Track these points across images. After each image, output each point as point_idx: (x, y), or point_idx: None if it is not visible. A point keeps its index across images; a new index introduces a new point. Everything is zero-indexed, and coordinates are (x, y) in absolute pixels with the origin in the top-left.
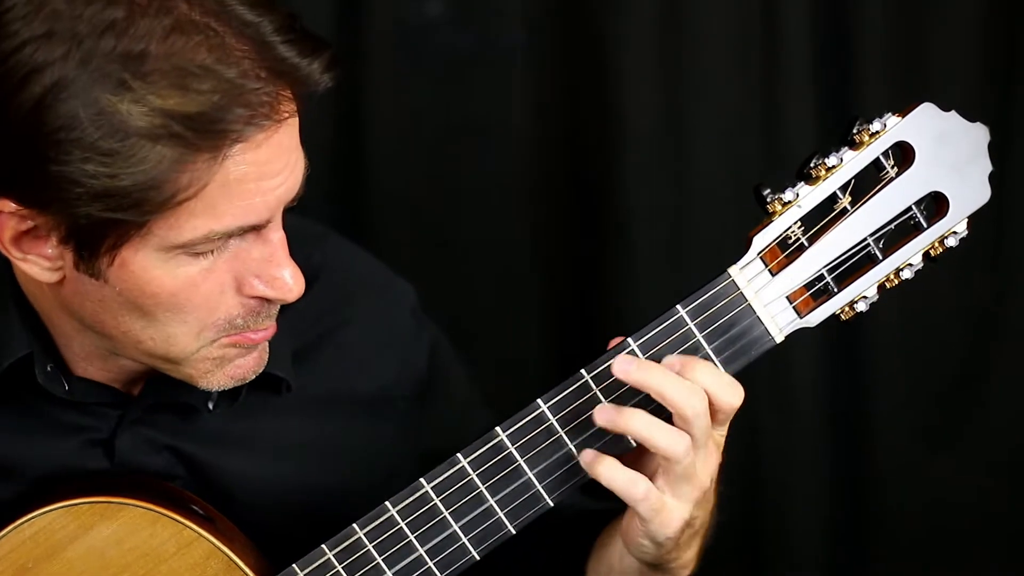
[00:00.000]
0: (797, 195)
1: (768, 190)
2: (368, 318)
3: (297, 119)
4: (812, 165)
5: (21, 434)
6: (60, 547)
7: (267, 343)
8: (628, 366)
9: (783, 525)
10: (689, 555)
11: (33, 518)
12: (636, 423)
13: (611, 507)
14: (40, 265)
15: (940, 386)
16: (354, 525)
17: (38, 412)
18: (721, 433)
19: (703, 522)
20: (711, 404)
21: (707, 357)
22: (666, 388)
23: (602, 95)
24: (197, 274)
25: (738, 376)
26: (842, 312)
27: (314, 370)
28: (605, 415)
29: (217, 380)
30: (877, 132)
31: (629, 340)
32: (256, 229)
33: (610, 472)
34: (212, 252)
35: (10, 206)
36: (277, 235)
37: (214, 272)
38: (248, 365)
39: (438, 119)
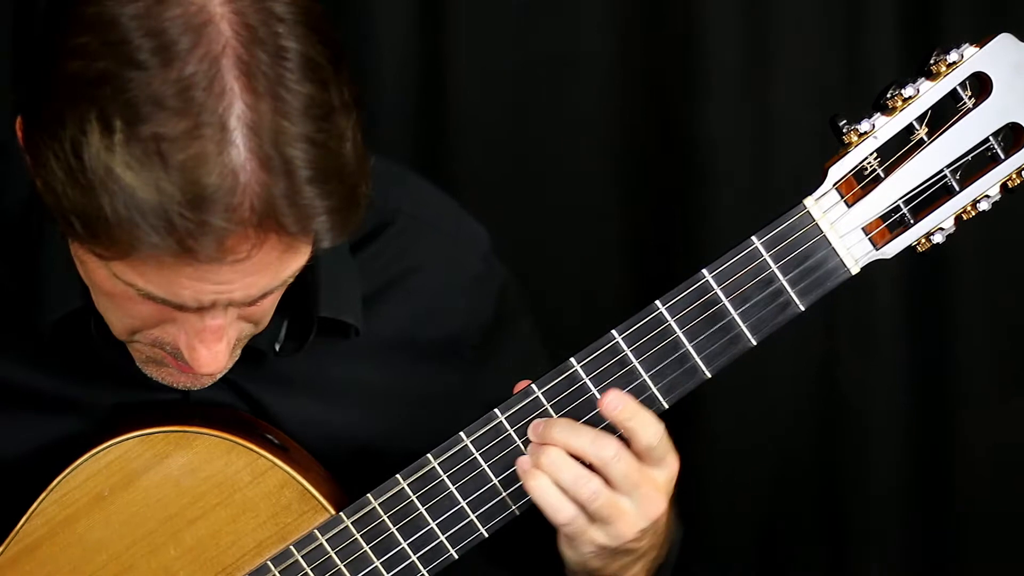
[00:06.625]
0: (873, 126)
1: (844, 121)
2: (438, 264)
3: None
4: (889, 96)
5: (93, 373)
6: (136, 475)
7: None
8: (537, 428)
9: (862, 458)
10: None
11: (109, 447)
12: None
13: None
14: None
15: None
16: (428, 455)
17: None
18: (662, 475)
19: (648, 548)
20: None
21: (782, 289)
22: (571, 443)
23: (685, 27)
24: (132, 294)
25: (815, 308)
26: (919, 244)
27: (383, 315)
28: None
29: (151, 372)
30: (954, 63)
31: (704, 271)
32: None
33: (541, 489)
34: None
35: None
36: (215, 322)
37: (146, 303)
38: (181, 380)
39: (517, 52)
